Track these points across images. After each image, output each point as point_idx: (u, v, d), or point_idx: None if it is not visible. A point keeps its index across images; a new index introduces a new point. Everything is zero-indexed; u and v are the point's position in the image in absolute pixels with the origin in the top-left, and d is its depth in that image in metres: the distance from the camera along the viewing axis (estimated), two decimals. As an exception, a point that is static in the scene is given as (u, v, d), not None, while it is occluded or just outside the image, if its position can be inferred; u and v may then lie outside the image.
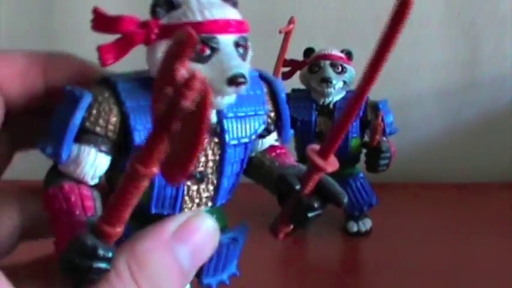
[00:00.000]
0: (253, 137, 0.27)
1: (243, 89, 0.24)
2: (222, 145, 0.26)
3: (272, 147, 0.29)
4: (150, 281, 0.22)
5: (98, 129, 0.25)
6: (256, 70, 0.28)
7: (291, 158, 0.29)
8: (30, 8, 0.73)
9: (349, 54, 0.56)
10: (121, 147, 0.25)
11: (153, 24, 0.25)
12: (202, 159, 0.26)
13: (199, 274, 0.28)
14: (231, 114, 0.26)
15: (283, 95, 0.28)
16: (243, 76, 0.24)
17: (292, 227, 0.28)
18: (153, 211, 0.26)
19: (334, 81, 0.54)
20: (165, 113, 0.18)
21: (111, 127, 0.25)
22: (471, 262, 0.54)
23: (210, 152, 0.26)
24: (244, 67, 0.24)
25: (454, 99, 0.76)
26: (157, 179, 0.25)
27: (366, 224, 0.59)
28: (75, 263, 0.21)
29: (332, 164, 0.25)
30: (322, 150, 0.25)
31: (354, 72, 0.56)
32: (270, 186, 0.28)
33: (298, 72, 0.57)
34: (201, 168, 0.26)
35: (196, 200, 0.27)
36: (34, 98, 0.26)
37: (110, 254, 0.21)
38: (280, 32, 0.52)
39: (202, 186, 0.27)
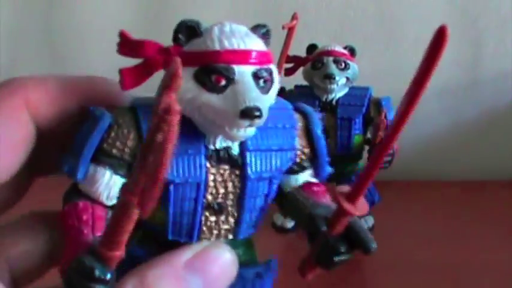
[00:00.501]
0: (278, 172, 0.26)
1: (258, 122, 0.23)
2: (243, 178, 0.25)
3: (308, 184, 0.27)
4: None
5: (114, 151, 0.24)
6: (292, 103, 0.27)
7: (327, 197, 0.27)
8: (31, 7, 0.73)
9: (352, 51, 0.56)
10: None
11: (174, 51, 0.24)
12: (222, 190, 0.25)
13: None
14: (253, 147, 0.26)
15: (318, 131, 0.27)
16: (258, 109, 0.23)
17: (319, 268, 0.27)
18: (170, 237, 0.26)
19: (337, 78, 0.54)
20: (145, 144, 0.18)
21: (127, 150, 0.25)
22: (474, 260, 0.53)
23: (230, 184, 0.26)
24: (262, 100, 0.23)
25: (456, 98, 0.76)
26: (172, 206, 0.25)
27: (368, 221, 0.59)
28: (74, 283, 0.21)
29: (360, 208, 0.24)
30: (350, 194, 0.24)
31: (357, 68, 0.55)
32: (301, 224, 0.27)
33: (301, 69, 0.57)
34: (220, 200, 0.26)
35: (215, 231, 0.26)
36: (66, 123, 0.25)
37: (108, 276, 0.21)
38: (283, 28, 0.52)
39: (222, 217, 0.26)
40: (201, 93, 0.24)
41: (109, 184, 0.25)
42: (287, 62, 0.55)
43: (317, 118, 0.28)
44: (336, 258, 0.25)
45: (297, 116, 0.27)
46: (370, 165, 0.23)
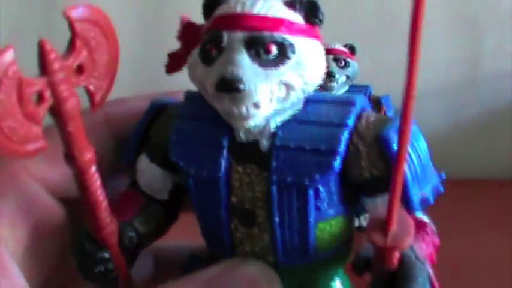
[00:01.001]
0: (310, 180, 0.20)
1: (244, 98, 0.19)
2: (269, 182, 0.21)
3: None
4: None
5: (154, 138, 0.23)
6: (363, 96, 0.22)
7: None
8: (31, 6, 0.73)
9: (352, 49, 0.56)
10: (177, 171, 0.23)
11: (202, 28, 0.22)
12: (249, 194, 0.21)
13: None
14: (281, 143, 0.21)
15: (394, 138, 0.20)
16: (238, 81, 0.19)
17: None
18: (209, 247, 0.24)
19: (337, 76, 0.54)
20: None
21: (166, 141, 0.23)
22: (473, 258, 0.54)
23: (258, 188, 0.21)
24: (252, 71, 0.19)
25: (456, 97, 0.75)
26: (197, 205, 0.23)
27: (368, 219, 0.59)
28: (81, 265, 0.22)
29: (396, 237, 0.19)
30: (382, 224, 0.19)
31: (357, 66, 0.55)
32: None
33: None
34: (248, 206, 0.21)
35: (248, 247, 0.22)
36: None
37: (106, 255, 0.21)
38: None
39: (255, 230, 0.21)
40: (199, 67, 0.21)
41: (146, 171, 0.24)
42: (287, 59, 0.55)
43: (392, 128, 0.21)
44: None
45: (366, 116, 0.21)
46: (391, 194, 0.19)
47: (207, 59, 0.20)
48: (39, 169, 0.22)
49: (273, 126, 0.21)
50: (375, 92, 0.57)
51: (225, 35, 0.20)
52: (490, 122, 0.76)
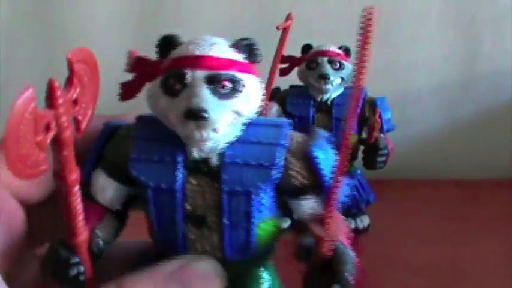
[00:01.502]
0: (255, 189, 0.25)
1: (207, 125, 0.24)
2: (221, 188, 0.25)
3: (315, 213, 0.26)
4: None
5: (109, 157, 0.27)
6: (291, 125, 0.27)
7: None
8: (29, 6, 0.73)
9: (347, 51, 0.56)
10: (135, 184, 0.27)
11: (155, 63, 0.26)
12: (200, 202, 0.26)
13: None
14: (229, 160, 0.26)
15: (316, 153, 0.25)
16: (203, 111, 0.23)
17: None
18: (160, 248, 0.27)
19: (331, 78, 0.54)
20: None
21: (121, 157, 0.26)
22: (471, 259, 0.54)
23: (209, 197, 0.26)
24: (213, 103, 0.24)
25: (453, 95, 0.75)
26: (155, 213, 0.26)
27: (364, 221, 0.59)
28: (53, 270, 0.25)
29: (332, 233, 0.24)
30: (322, 218, 0.25)
31: (352, 68, 0.55)
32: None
33: (296, 69, 0.57)
34: (200, 212, 0.26)
35: (199, 247, 0.26)
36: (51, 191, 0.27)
37: (76, 260, 0.24)
38: (277, 28, 0.52)
39: (206, 232, 0.26)
40: (164, 99, 0.25)
41: (103, 186, 0.27)
42: (282, 62, 0.55)
43: (322, 141, 0.26)
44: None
45: (294, 136, 0.26)
46: (329, 199, 0.24)
47: (171, 92, 0.25)
48: (4, 175, 0.24)
49: (222, 146, 0.26)
50: (372, 91, 0.57)
51: (189, 73, 0.25)
52: (487, 120, 0.76)
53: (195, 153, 0.26)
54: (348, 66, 0.55)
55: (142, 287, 0.23)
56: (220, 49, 0.26)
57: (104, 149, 0.27)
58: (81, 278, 0.24)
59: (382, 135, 0.55)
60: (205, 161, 0.26)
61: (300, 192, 0.26)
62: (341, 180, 0.24)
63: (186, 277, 0.24)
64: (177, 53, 0.26)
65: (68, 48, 0.25)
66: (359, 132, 0.57)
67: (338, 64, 0.54)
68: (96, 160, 0.27)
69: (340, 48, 0.56)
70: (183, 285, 0.23)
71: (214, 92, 0.24)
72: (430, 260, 0.53)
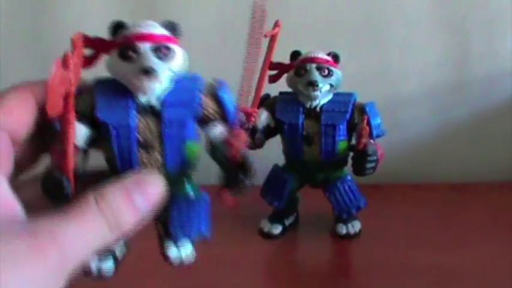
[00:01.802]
0: (186, 119, 0.37)
1: (156, 78, 0.35)
2: (160, 123, 0.37)
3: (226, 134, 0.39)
4: (109, 207, 0.31)
5: (78, 108, 0.35)
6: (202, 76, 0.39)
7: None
8: (19, 11, 0.73)
9: (335, 57, 0.56)
10: (97, 128, 0.37)
11: (109, 42, 0.37)
12: (148, 133, 0.37)
13: (168, 227, 0.40)
14: (167, 103, 0.37)
15: (222, 94, 0.38)
16: (153, 69, 0.35)
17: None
18: (120, 169, 0.38)
19: (320, 85, 0.53)
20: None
21: (86, 108, 0.37)
22: (462, 264, 0.54)
23: (154, 129, 0.37)
24: (158, 64, 0.35)
25: (444, 99, 0.75)
26: (116, 144, 0.37)
27: (355, 226, 0.59)
28: (50, 188, 0.35)
29: (238, 139, 0.37)
30: (229, 136, 0.38)
31: (341, 75, 0.55)
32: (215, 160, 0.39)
33: (285, 75, 0.57)
34: (149, 141, 0.37)
35: (149, 165, 0.38)
36: (34, 124, 0.35)
37: (66, 182, 0.34)
38: (265, 36, 0.52)
39: (153, 154, 0.38)
40: (122, 64, 0.36)
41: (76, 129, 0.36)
42: (271, 68, 0.55)
43: (224, 87, 0.39)
44: (235, 185, 0.38)
45: (206, 84, 0.38)
46: (234, 117, 0.38)
47: (128, 59, 0.36)
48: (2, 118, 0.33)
49: (161, 94, 0.37)
50: (363, 97, 0.57)
51: (141, 45, 0.36)
52: (480, 123, 0.76)
53: (143, 100, 0.37)
54: (337, 72, 0.55)
55: (114, 191, 0.32)
56: (157, 29, 0.37)
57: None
58: (67, 191, 0.34)
59: (371, 141, 0.54)
60: (150, 105, 0.37)
61: (212, 121, 0.38)
62: (240, 111, 0.39)
63: (142, 182, 0.34)
64: (128, 32, 0.37)
65: (57, 54, 0.33)
66: (349, 139, 0.57)
67: (327, 71, 0.54)
68: None
69: (328, 54, 0.56)
70: (141, 189, 0.33)
71: (158, 57, 0.36)
72: (422, 264, 0.53)
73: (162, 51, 0.36)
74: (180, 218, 0.40)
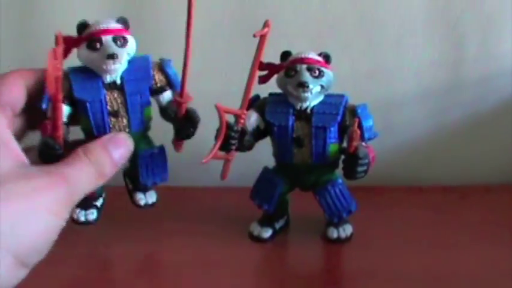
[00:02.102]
0: (142, 90, 0.51)
1: (118, 61, 0.48)
2: (124, 95, 0.50)
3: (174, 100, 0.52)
4: (94, 158, 0.41)
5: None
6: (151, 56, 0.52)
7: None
8: (6, 12, 0.72)
9: (327, 58, 0.55)
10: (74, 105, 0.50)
11: (77, 38, 0.50)
12: (115, 104, 0.50)
13: (138, 179, 0.54)
14: (126, 78, 0.50)
15: (168, 69, 0.52)
16: (115, 55, 0.48)
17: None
18: (96, 134, 0.50)
19: (310, 86, 0.52)
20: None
21: (66, 90, 0.49)
22: (457, 268, 0.53)
23: (119, 100, 0.50)
24: (118, 51, 0.48)
25: (439, 100, 0.74)
26: (91, 114, 0.50)
27: (347, 230, 0.58)
28: (44, 151, 0.45)
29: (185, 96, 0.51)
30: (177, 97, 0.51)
31: (332, 75, 0.54)
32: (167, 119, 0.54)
33: (275, 76, 0.56)
34: (116, 110, 0.50)
35: (117, 127, 0.51)
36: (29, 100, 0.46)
37: (57, 146, 0.45)
38: (254, 36, 0.51)
39: (119, 119, 0.51)
40: (90, 53, 0.49)
41: None
42: (261, 69, 0.54)
43: (168, 61, 0.52)
44: (186, 134, 0.52)
45: (153, 62, 0.52)
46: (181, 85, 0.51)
47: (95, 49, 0.48)
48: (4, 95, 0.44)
49: (120, 72, 0.50)
50: (356, 99, 0.56)
51: (103, 37, 0.49)
52: (475, 125, 0.75)
53: (108, 79, 0.50)
54: (328, 73, 0.54)
55: (95, 147, 0.42)
56: (113, 24, 0.50)
57: None
58: (59, 152, 0.44)
59: (363, 143, 0.53)
60: (114, 82, 0.50)
61: (161, 90, 0.52)
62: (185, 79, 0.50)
63: (115, 140, 0.45)
64: (92, 29, 0.49)
65: (45, 55, 0.41)
66: (341, 141, 0.56)
67: (317, 71, 0.53)
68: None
69: (319, 55, 0.55)
70: (115, 144, 0.44)
71: (117, 45, 0.49)
72: (415, 268, 0.53)
73: (120, 40, 0.49)
74: (146, 169, 0.53)
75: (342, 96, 0.55)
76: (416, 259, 0.54)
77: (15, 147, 0.39)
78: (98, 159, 0.41)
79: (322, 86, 0.53)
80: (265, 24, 0.52)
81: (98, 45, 0.48)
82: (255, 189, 0.58)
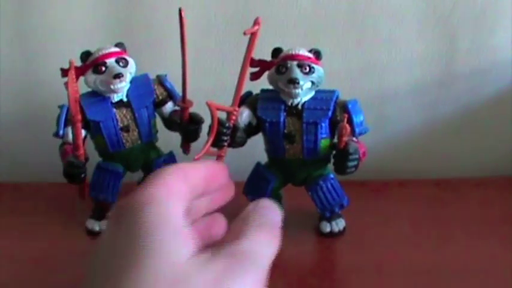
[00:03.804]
0: (148, 103, 0.57)
1: (123, 80, 0.54)
2: (132, 111, 0.56)
3: (175, 110, 0.59)
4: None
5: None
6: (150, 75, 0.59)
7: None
8: (2, 8, 0.72)
9: (317, 54, 0.55)
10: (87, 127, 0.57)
11: (82, 67, 0.56)
12: (125, 120, 0.56)
13: None
14: (132, 96, 0.56)
15: (166, 83, 0.58)
16: (121, 74, 0.54)
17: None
18: (111, 150, 0.57)
19: (301, 82, 0.53)
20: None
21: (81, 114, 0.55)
22: (449, 262, 0.53)
23: (128, 116, 0.57)
24: (123, 71, 0.54)
25: (431, 94, 0.74)
26: (105, 132, 0.56)
27: (339, 224, 0.58)
28: (68, 169, 0.54)
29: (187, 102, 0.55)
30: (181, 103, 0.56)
31: (323, 71, 0.55)
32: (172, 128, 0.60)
33: (266, 73, 0.56)
34: (126, 125, 0.57)
35: (130, 141, 0.57)
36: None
37: (81, 164, 0.54)
38: (244, 33, 0.51)
39: (130, 133, 0.57)
40: (97, 76, 0.54)
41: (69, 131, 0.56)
42: (252, 66, 0.55)
43: (166, 78, 0.58)
44: (193, 137, 0.57)
45: (153, 80, 0.58)
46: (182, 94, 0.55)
47: (100, 72, 0.54)
48: None
49: (126, 91, 0.57)
50: (347, 93, 0.57)
51: (107, 61, 0.55)
52: (467, 119, 0.75)
53: (116, 98, 0.56)
54: (318, 69, 0.54)
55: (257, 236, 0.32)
56: (114, 48, 0.56)
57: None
58: (82, 171, 0.54)
59: (354, 139, 0.54)
60: (121, 100, 0.56)
61: (163, 103, 0.58)
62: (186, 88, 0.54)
63: (268, 215, 0.35)
64: (96, 55, 0.55)
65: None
66: (332, 137, 0.56)
67: (308, 68, 0.54)
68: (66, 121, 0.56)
69: (310, 51, 0.55)
70: (270, 221, 0.35)
71: (120, 65, 0.55)
72: (408, 262, 0.53)
73: (122, 61, 0.55)
74: None
75: (332, 91, 0.56)
76: (409, 252, 0.55)
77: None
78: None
79: (312, 82, 0.54)
80: (256, 22, 0.52)
81: (103, 68, 0.54)
82: (247, 184, 0.59)
